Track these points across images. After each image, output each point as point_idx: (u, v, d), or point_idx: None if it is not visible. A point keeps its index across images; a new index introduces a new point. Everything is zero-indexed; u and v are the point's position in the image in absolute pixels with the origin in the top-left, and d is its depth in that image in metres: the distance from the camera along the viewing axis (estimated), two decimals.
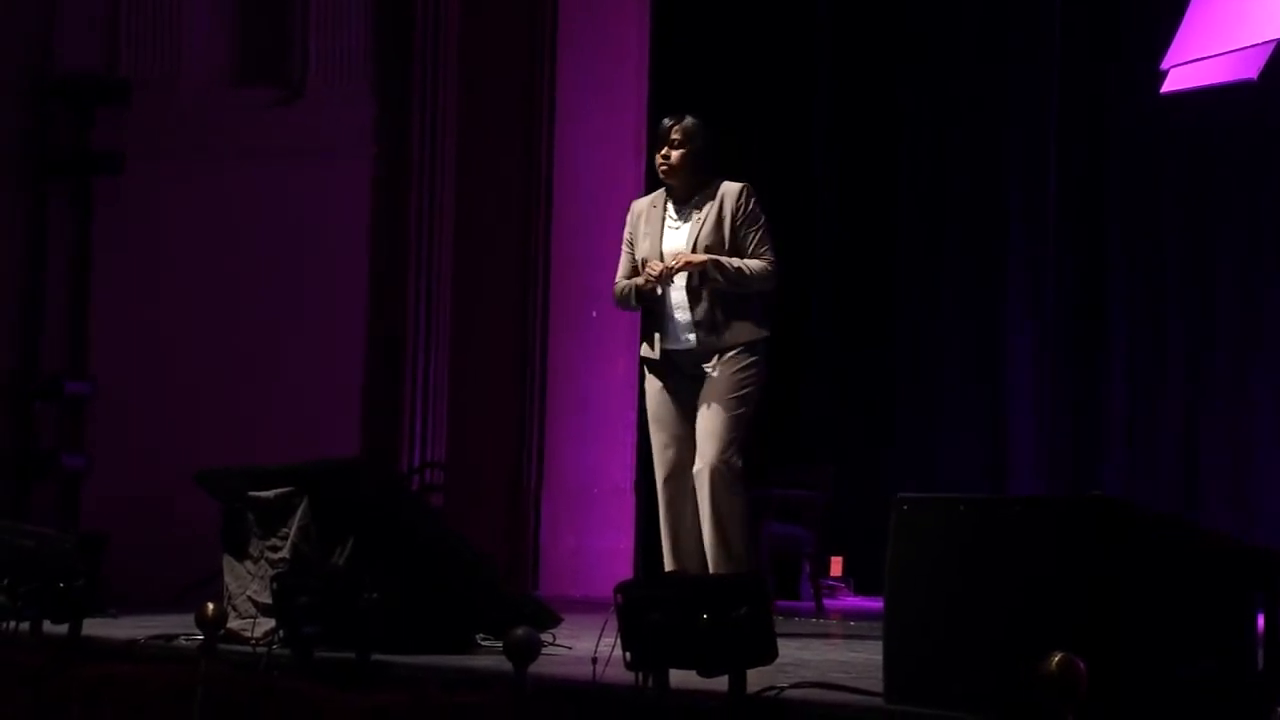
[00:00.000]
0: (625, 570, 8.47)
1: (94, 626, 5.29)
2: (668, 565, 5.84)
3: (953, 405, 9.57)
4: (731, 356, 5.80)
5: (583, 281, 8.78)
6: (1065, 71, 9.61)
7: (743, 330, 5.83)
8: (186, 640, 5.02)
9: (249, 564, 5.31)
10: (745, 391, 5.80)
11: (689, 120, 5.93)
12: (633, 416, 8.86)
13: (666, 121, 5.96)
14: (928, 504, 3.94)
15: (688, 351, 5.84)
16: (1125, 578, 3.55)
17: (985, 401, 9.48)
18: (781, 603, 7.81)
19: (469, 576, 5.25)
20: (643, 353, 5.94)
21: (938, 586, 3.81)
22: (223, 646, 4.67)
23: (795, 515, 9.00)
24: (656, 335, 5.87)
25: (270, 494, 5.27)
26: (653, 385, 5.93)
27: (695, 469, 5.74)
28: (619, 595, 3.94)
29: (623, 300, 6.02)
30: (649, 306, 5.90)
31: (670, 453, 5.86)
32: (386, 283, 8.53)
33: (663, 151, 5.93)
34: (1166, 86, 8.29)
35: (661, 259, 5.85)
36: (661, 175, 5.97)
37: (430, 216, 8.55)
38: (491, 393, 8.67)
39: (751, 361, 5.83)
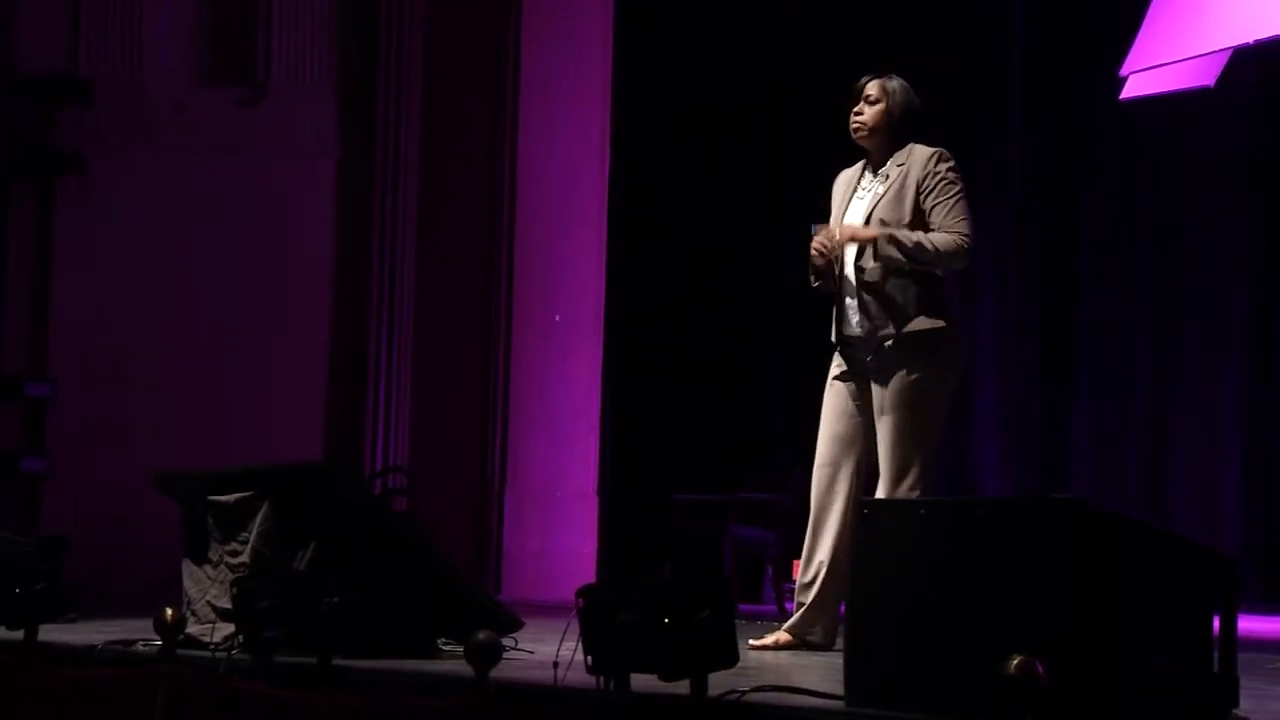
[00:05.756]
0: (588, 574, 8.46)
1: (52, 631, 5.24)
2: (801, 566, 5.40)
3: None
4: (900, 352, 5.20)
5: (547, 284, 8.76)
6: (1029, 77, 9.63)
7: (914, 318, 5.20)
8: (145, 646, 4.98)
9: (208, 569, 5.27)
10: (917, 399, 5.19)
11: (890, 77, 5.39)
12: (596, 420, 8.85)
13: (865, 78, 5.40)
14: (889, 507, 3.95)
15: (858, 339, 5.30)
16: (1087, 580, 3.56)
17: (951, 407, 9.48)
18: (744, 606, 7.80)
19: (431, 580, 5.22)
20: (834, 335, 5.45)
21: (900, 589, 3.81)
22: (182, 651, 4.64)
23: (760, 518, 9.01)
24: (834, 317, 5.36)
25: (230, 498, 5.23)
26: (831, 372, 5.43)
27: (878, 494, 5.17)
28: (580, 599, 3.93)
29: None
30: (830, 287, 5.37)
31: (822, 447, 5.36)
32: (349, 284, 8.50)
33: (856, 108, 5.38)
34: (1125, 93, 8.33)
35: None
36: (856, 138, 5.41)
37: (394, 218, 8.53)
38: (455, 396, 8.65)
39: (925, 360, 5.20)
